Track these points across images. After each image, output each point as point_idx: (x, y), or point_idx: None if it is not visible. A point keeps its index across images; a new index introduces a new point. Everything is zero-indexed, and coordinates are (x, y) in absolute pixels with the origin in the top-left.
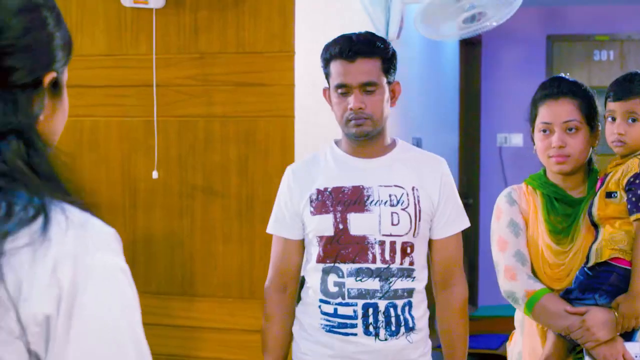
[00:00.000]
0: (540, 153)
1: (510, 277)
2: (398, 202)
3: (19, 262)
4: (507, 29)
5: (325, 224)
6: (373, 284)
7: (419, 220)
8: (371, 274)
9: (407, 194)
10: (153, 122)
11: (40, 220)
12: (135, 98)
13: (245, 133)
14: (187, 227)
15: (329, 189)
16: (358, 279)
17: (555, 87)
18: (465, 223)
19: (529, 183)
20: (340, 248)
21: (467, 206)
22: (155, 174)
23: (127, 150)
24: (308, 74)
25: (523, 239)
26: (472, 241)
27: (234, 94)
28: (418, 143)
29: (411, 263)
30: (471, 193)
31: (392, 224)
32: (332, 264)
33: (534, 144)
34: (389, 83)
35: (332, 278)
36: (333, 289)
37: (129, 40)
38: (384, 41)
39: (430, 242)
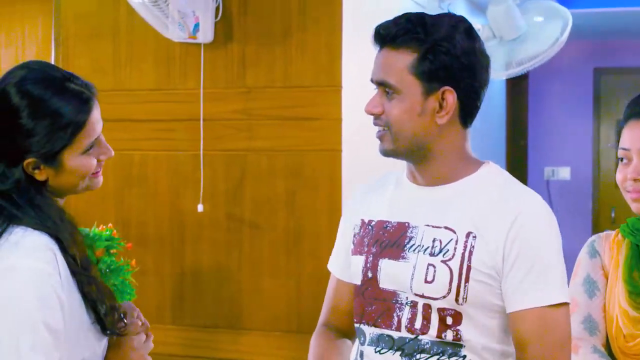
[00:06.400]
0: (620, 187)
1: (572, 350)
2: (440, 250)
3: None
4: (554, 62)
5: (356, 269)
6: (393, 358)
7: (466, 281)
8: (392, 344)
9: (457, 242)
10: (199, 156)
11: None
12: (182, 132)
13: (292, 167)
14: (235, 261)
15: (374, 222)
16: (377, 349)
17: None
18: (554, 297)
19: (622, 229)
20: (366, 304)
21: None
22: (200, 207)
23: (175, 184)
24: (355, 108)
25: (598, 301)
26: None
27: (281, 128)
28: None
29: (457, 338)
30: None
31: (426, 281)
32: (358, 324)
33: None
34: (429, 90)
35: (357, 344)
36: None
37: (177, 74)
38: (433, 27)
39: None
